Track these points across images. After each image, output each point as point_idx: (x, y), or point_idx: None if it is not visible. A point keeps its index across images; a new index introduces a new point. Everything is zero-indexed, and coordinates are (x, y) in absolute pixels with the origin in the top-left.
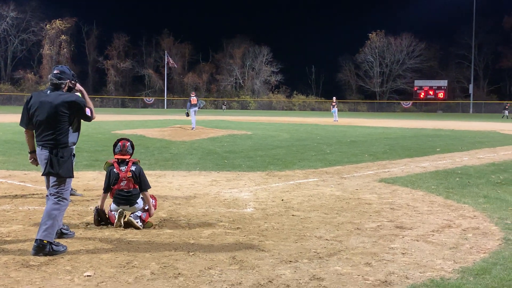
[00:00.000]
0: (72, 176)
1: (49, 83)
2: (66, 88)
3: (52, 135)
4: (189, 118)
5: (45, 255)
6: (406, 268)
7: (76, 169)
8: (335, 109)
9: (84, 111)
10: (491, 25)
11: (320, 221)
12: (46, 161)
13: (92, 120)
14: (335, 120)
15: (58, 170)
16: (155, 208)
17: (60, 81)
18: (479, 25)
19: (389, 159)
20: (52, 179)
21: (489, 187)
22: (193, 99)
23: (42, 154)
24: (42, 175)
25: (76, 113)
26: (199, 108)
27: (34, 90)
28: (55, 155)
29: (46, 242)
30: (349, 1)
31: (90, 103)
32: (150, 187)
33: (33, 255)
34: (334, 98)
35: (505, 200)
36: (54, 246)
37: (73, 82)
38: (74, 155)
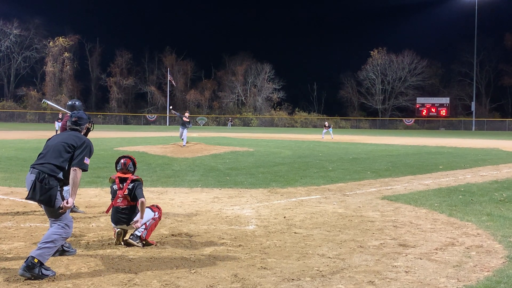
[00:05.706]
0: (52, 206)
1: (68, 128)
2: (85, 131)
3: (51, 160)
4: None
5: (32, 275)
6: (410, 286)
7: (78, 186)
8: (328, 129)
9: (84, 154)
10: (492, 42)
11: (323, 238)
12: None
13: (81, 173)
14: (331, 137)
15: (39, 196)
16: (159, 219)
17: (78, 127)
18: (481, 43)
19: (391, 176)
20: (45, 210)
21: (492, 204)
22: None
23: (29, 178)
24: (25, 199)
25: (78, 150)
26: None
27: (37, 107)
28: (41, 181)
29: (37, 261)
30: (350, 19)
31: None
32: (143, 197)
33: (20, 274)
34: (326, 122)
35: (508, 218)
36: (43, 270)
37: (90, 124)
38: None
